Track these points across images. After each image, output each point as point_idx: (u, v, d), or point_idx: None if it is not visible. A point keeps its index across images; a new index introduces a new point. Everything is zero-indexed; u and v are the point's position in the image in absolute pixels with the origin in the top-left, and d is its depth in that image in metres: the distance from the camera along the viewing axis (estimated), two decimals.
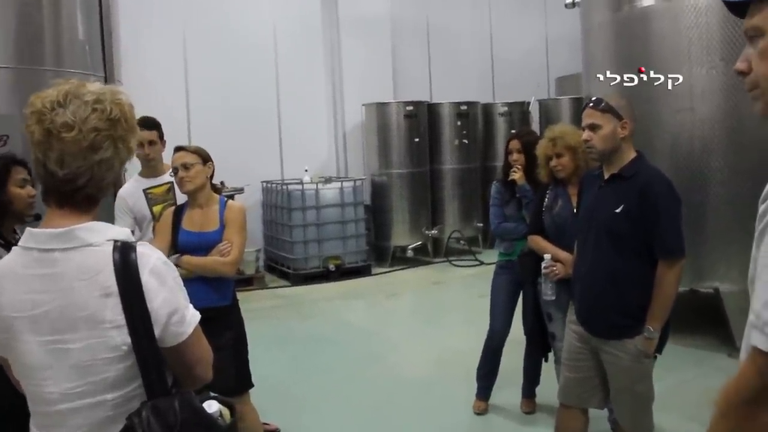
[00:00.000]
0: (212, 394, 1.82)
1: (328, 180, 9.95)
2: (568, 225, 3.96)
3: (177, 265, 3.57)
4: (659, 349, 3.23)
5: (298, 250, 9.58)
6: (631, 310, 3.18)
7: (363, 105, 10.77)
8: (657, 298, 3.12)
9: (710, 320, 6.14)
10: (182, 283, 1.80)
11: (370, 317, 7.86)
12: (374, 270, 10.09)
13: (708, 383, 5.14)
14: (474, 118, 11.25)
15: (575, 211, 3.96)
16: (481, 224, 11.17)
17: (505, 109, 11.46)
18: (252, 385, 3.88)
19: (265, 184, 10.44)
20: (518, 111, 11.49)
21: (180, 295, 1.78)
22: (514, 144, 4.65)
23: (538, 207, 4.14)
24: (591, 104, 3.26)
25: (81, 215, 1.71)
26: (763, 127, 5.91)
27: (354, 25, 10.99)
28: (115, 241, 1.70)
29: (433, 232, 10.66)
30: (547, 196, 4.12)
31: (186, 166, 3.70)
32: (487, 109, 11.59)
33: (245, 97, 10.32)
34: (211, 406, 1.72)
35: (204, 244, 3.68)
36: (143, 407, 1.65)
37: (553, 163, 4.05)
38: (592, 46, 7.04)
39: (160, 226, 3.82)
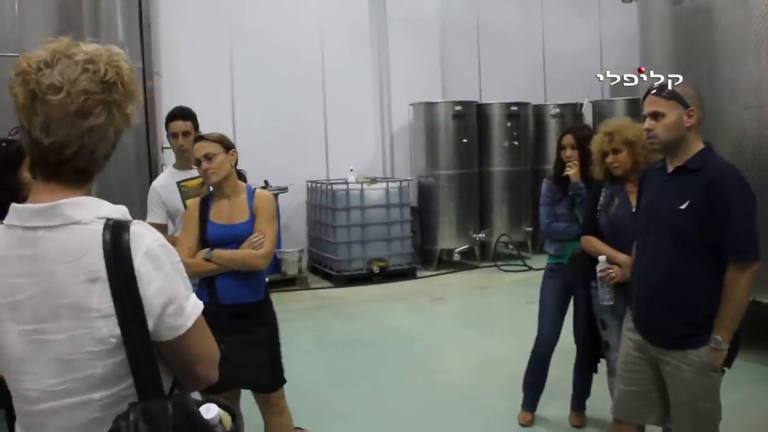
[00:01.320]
0: (212, 397, 1.60)
1: (373, 180, 9.75)
2: (626, 225, 3.66)
3: (208, 260, 3.44)
4: (728, 362, 2.91)
5: (341, 251, 9.38)
6: (695, 318, 2.89)
7: (410, 105, 10.53)
8: (726, 305, 2.82)
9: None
10: (183, 269, 1.57)
11: (412, 321, 7.60)
12: (419, 273, 9.83)
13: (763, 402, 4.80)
14: (524, 120, 10.92)
15: (633, 210, 3.68)
16: (530, 228, 10.82)
17: (557, 110, 11.10)
18: (285, 381, 3.68)
19: (309, 183, 10.28)
20: (570, 112, 11.11)
21: (179, 283, 1.54)
22: (568, 139, 4.36)
23: (593, 206, 3.85)
24: (654, 91, 2.97)
25: (70, 190, 1.50)
26: None
27: (402, 23, 10.74)
28: (108, 220, 1.49)
29: (480, 235, 10.36)
30: (603, 194, 3.83)
31: (209, 157, 3.49)
32: (539, 110, 11.25)
33: (291, 96, 10.19)
34: (209, 411, 1.49)
35: (235, 237, 3.47)
36: (132, 409, 1.43)
37: (610, 159, 3.76)
38: (651, 42, 6.70)
39: (187, 219, 3.62)
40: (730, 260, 2.80)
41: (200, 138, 3.60)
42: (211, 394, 3.43)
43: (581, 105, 11.06)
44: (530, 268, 9.92)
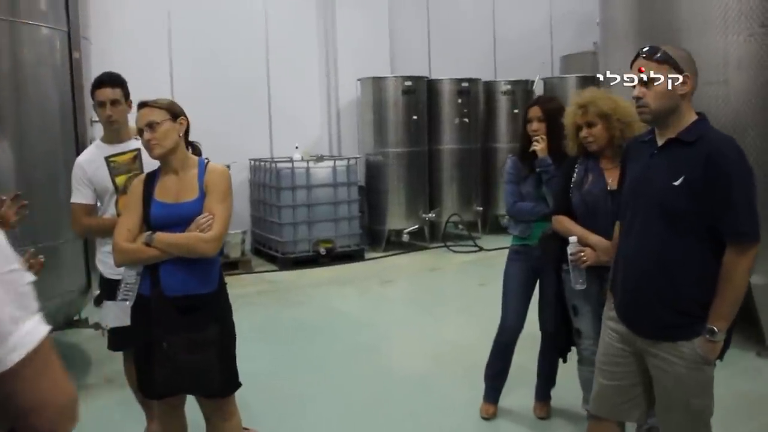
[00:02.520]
0: None
1: (320, 158, 9.33)
2: (600, 204, 3.39)
3: (148, 245, 3.00)
4: (721, 354, 2.65)
5: (286, 232, 8.96)
6: (688, 306, 2.60)
7: (358, 80, 10.14)
8: (724, 292, 2.54)
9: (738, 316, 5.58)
10: (21, 282, 1.17)
11: (362, 305, 7.26)
12: (367, 255, 9.50)
13: (737, 386, 4.62)
14: (475, 96, 10.63)
15: (609, 188, 3.39)
16: (481, 208, 10.63)
17: (508, 87, 10.83)
18: (239, 385, 3.26)
19: (253, 162, 9.82)
20: (522, 89, 10.85)
21: (5, 301, 1.14)
22: (534, 111, 4.04)
23: (565, 183, 3.55)
24: (644, 54, 2.66)
25: None
26: None
27: None
28: None
29: (430, 215, 10.06)
30: (576, 170, 3.53)
31: (152, 126, 3.05)
32: (489, 87, 10.96)
33: (233, 70, 9.72)
34: None
35: (181, 218, 3.03)
36: None
37: (584, 133, 3.46)
38: (612, 16, 6.43)
39: (129, 198, 3.18)
40: (730, 242, 2.52)
41: (144, 104, 3.14)
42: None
43: (532, 82, 10.85)
44: (481, 249, 9.70)
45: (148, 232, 3.00)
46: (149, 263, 3.01)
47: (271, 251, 9.24)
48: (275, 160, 9.44)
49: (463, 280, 8.37)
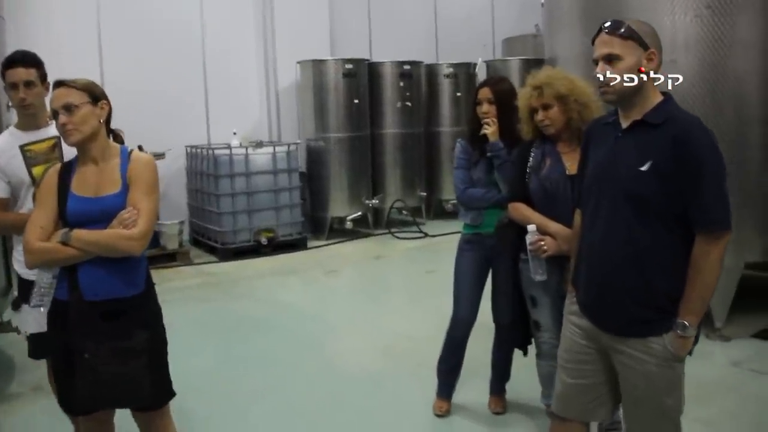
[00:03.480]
0: None
1: (259, 144, 8.99)
2: (560, 190, 3.22)
3: (65, 243, 2.67)
4: (690, 349, 2.50)
5: (226, 221, 8.64)
6: (658, 300, 2.44)
7: (297, 62, 9.81)
8: (695, 284, 2.39)
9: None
10: None
11: (306, 297, 7.01)
12: (310, 243, 9.23)
13: (690, 371, 4.47)
14: (417, 80, 10.43)
15: (567, 173, 3.23)
16: (425, 193, 10.47)
17: (450, 70, 10.65)
18: (173, 395, 2.98)
19: (189, 149, 9.43)
20: (464, 72, 10.70)
21: None
22: (484, 93, 3.84)
23: (521, 169, 3.37)
24: (607, 29, 2.48)
25: None
26: (743, 85, 5.33)
27: None
28: None
29: (373, 201, 9.84)
30: (532, 155, 3.36)
31: (69, 108, 2.72)
32: (431, 69, 10.77)
33: (167, 52, 9.33)
34: None
35: (102, 213, 2.73)
36: None
37: (540, 116, 3.29)
38: None
39: (42, 191, 2.84)
40: (700, 231, 2.36)
41: (60, 83, 2.80)
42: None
43: (474, 65, 10.73)
44: (426, 235, 9.55)
45: (65, 230, 2.69)
46: (66, 264, 2.71)
47: (211, 242, 8.90)
48: (213, 146, 9.11)
49: (410, 268, 8.19)
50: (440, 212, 10.76)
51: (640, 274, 2.44)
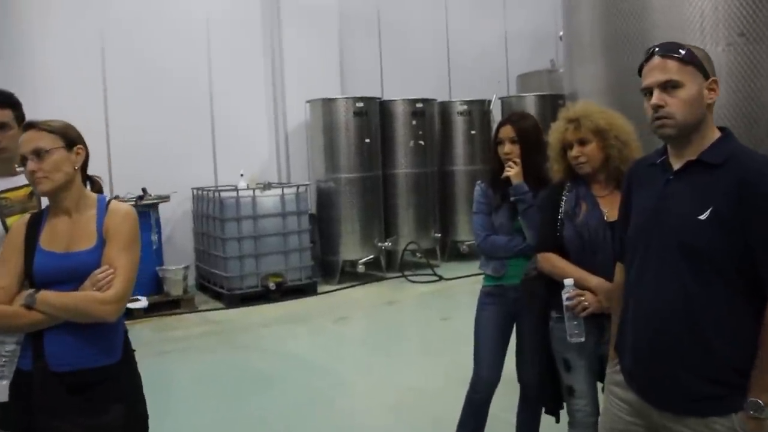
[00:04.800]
0: None
1: (267, 186, 8.68)
2: (600, 239, 2.85)
3: (29, 307, 2.27)
4: None
5: (232, 266, 8.28)
6: (721, 371, 2.06)
7: (307, 102, 9.55)
8: (767, 354, 2.00)
9: None
10: None
11: (315, 348, 6.60)
12: (320, 288, 8.86)
13: None
14: (430, 118, 10.13)
15: (607, 219, 2.86)
16: (439, 234, 10.10)
17: (464, 107, 10.36)
18: None
19: (195, 191, 9.12)
20: (478, 110, 10.40)
21: None
22: (506, 131, 3.50)
23: (552, 214, 3.00)
24: (662, 51, 2.13)
25: None
26: None
27: (297, 14, 9.79)
28: None
29: (386, 244, 9.48)
30: (565, 199, 2.99)
31: (38, 153, 2.41)
32: (445, 107, 10.48)
33: (173, 91, 9.08)
34: None
35: (74, 272, 2.40)
36: None
37: (575, 152, 2.93)
38: (576, 28, 5.97)
39: (6, 245, 2.50)
40: None
41: (30, 125, 2.49)
42: None
43: (489, 101, 10.43)
44: (441, 278, 9.16)
45: (30, 291, 2.35)
46: (31, 330, 2.36)
47: (217, 287, 8.55)
48: (219, 188, 8.81)
49: (424, 315, 7.80)
50: (455, 254, 10.39)
51: (698, 341, 2.06)
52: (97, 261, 2.41)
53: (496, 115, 10.50)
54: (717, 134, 2.15)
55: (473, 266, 9.49)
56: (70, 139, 2.49)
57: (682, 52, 2.10)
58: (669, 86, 2.09)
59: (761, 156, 2.10)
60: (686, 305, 2.07)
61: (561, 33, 6.35)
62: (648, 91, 2.15)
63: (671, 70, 2.09)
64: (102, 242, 2.44)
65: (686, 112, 2.07)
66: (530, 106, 9.90)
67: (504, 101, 10.55)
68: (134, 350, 2.61)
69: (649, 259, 2.17)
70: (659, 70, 2.11)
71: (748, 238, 1.98)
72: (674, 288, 2.09)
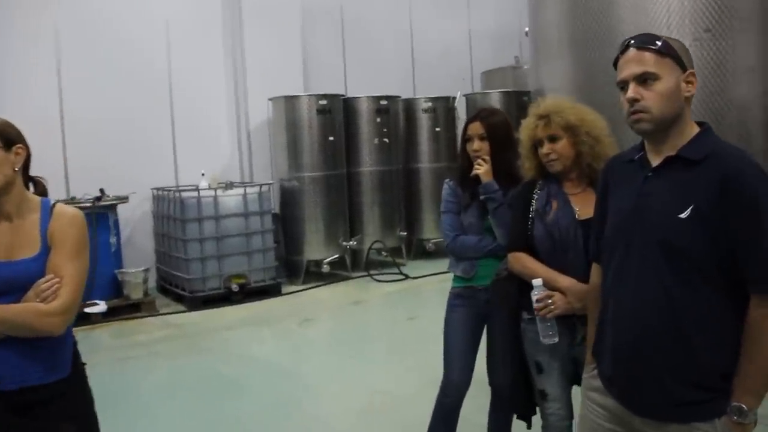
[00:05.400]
0: None
1: (229, 185, 8.50)
2: (571, 238, 2.77)
3: None
4: None
5: (194, 268, 8.10)
6: (705, 375, 1.99)
7: (269, 99, 9.37)
8: (753, 356, 1.94)
9: None
10: None
11: (280, 351, 6.45)
12: (285, 289, 8.71)
13: None
14: (395, 115, 10.03)
15: (578, 218, 2.78)
16: (405, 233, 10.01)
17: (429, 104, 10.27)
18: None
19: (155, 191, 8.91)
20: (443, 107, 10.32)
21: None
22: (475, 128, 3.41)
23: (522, 212, 2.91)
24: (637, 43, 2.05)
25: None
26: (746, 113, 4.99)
27: (259, 11, 9.61)
28: None
29: (351, 243, 9.36)
30: (536, 197, 2.91)
31: None
32: (409, 104, 10.38)
33: (132, 90, 8.88)
34: None
35: (16, 281, 2.24)
36: None
37: (545, 149, 2.84)
38: (543, 24, 5.93)
39: None
40: (759, 291, 1.92)
41: None
42: None
43: (454, 98, 10.35)
44: (407, 277, 9.06)
45: None
46: None
47: (178, 290, 8.35)
48: (180, 188, 8.61)
49: (391, 314, 7.69)
50: (421, 252, 10.31)
51: (681, 344, 1.99)
52: (41, 269, 2.26)
53: (461, 112, 10.46)
54: (695, 129, 2.08)
55: (439, 264, 9.56)
56: (8, 138, 2.32)
57: (659, 43, 2.03)
58: (645, 79, 2.01)
59: (742, 152, 2.03)
60: (668, 306, 2.00)
61: (527, 29, 6.29)
62: (624, 85, 2.07)
63: (648, 62, 2.01)
64: (46, 249, 2.29)
65: (663, 105, 2.00)
66: (495, 102, 9.82)
67: (468, 98, 10.50)
68: (84, 363, 2.45)
69: (628, 259, 2.09)
70: (635, 62, 2.03)
71: (730, 236, 1.91)
72: (655, 288, 2.02)
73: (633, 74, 2.02)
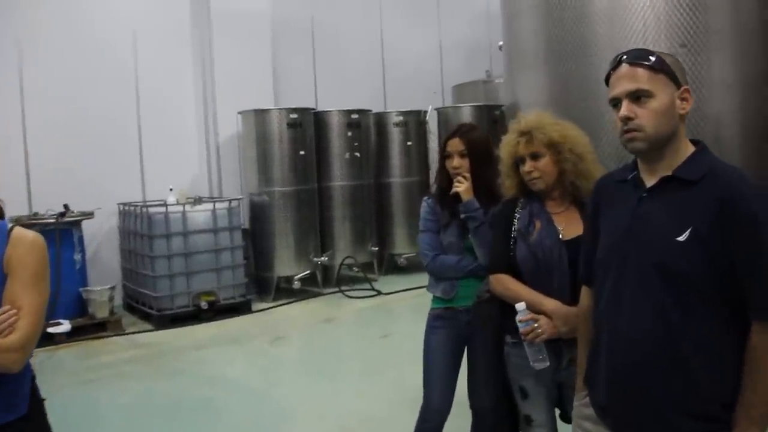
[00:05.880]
0: None
1: (197, 201, 8.34)
2: (555, 259, 2.67)
3: None
4: None
5: (161, 285, 7.89)
6: (705, 405, 1.89)
7: (239, 113, 9.23)
8: (755, 385, 1.86)
9: None
10: None
11: (251, 372, 6.27)
12: (255, 306, 8.53)
13: None
14: (366, 129, 9.94)
15: (562, 238, 2.69)
16: (376, 248, 9.89)
17: (400, 118, 10.18)
18: None
19: (122, 206, 8.69)
20: (414, 120, 10.25)
21: None
22: (455, 144, 3.32)
23: (505, 233, 2.82)
24: (629, 59, 1.97)
25: None
26: (722, 128, 4.96)
27: (229, 24, 9.46)
28: None
29: (322, 259, 9.21)
30: (518, 216, 2.81)
31: None
32: (380, 118, 10.29)
33: (97, 104, 8.68)
34: None
35: None
36: None
37: (527, 167, 2.75)
38: (517, 37, 5.88)
39: None
40: (761, 318, 1.83)
41: None
42: None
43: (425, 112, 10.29)
44: (379, 293, 8.93)
45: None
46: None
47: (145, 308, 8.13)
48: (147, 204, 8.41)
49: (363, 332, 7.55)
50: (393, 267, 10.21)
51: (680, 372, 1.90)
52: None
53: (432, 126, 10.40)
54: (690, 147, 2.00)
55: (411, 280, 9.47)
56: None
57: (653, 59, 1.94)
58: (639, 96, 1.93)
59: (740, 171, 1.95)
60: (666, 333, 1.91)
61: (500, 43, 6.23)
62: (616, 102, 1.98)
63: (641, 78, 1.93)
64: (3, 277, 2.12)
65: (658, 123, 1.92)
66: (466, 116, 9.78)
67: (440, 112, 10.45)
68: (44, 399, 2.29)
69: (623, 283, 2.00)
70: (628, 79, 1.95)
71: (730, 259, 1.83)
72: (653, 315, 1.92)
73: (626, 91, 1.94)
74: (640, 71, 1.94)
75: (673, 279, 1.88)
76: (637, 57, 1.96)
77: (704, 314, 1.87)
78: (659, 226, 1.92)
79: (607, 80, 2.04)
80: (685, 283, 1.87)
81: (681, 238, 1.86)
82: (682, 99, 1.96)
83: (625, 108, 1.93)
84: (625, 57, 1.98)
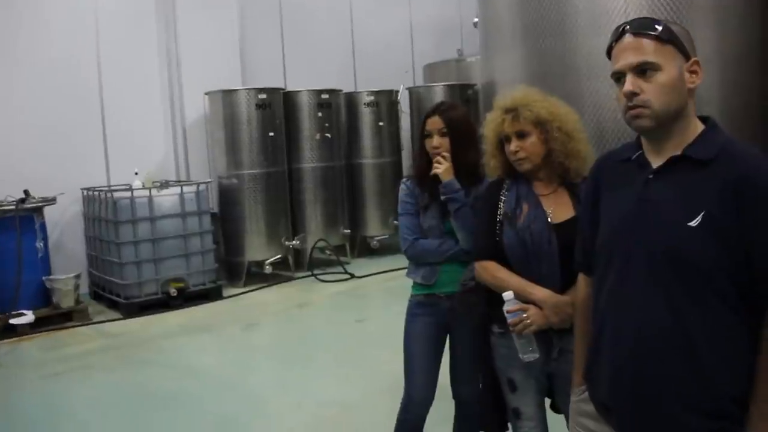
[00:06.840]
0: None
1: (164, 185, 8.11)
2: (544, 245, 2.52)
3: None
4: None
5: (129, 273, 7.66)
6: (718, 402, 1.75)
7: (206, 93, 8.97)
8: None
9: None
10: None
11: (224, 360, 6.08)
12: (226, 292, 8.34)
13: None
14: (336, 109, 9.73)
15: (551, 221, 2.55)
16: (348, 231, 9.74)
17: (371, 98, 10.00)
18: None
19: (85, 192, 8.42)
20: (386, 100, 10.07)
21: None
22: (434, 123, 3.15)
23: (490, 217, 2.66)
24: (635, 29, 1.81)
25: None
26: (703, 106, 4.86)
27: (194, 1, 9.20)
28: None
29: (294, 242, 9.03)
30: (503, 198, 2.65)
31: None
32: (351, 98, 10.10)
33: (58, 87, 8.36)
34: None
35: None
36: None
37: (513, 147, 2.60)
38: (494, 14, 5.71)
39: None
40: None
41: None
42: None
43: (397, 92, 10.13)
44: (352, 276, 8.81)
45: None
46: None
47: (112, 296, 7.88)
48: (112, 188, 8.16)
49: (338, 317, 7.39)
50: (365, 250, 10.07)
51: (691, 368, 1.76)
52: None
53: (404, 106, 10.24)
54: (699, 124, 1.85)
55: (384, 262, 9.34)
56: None
57: (659, 28, 1.79)
58: (644, 70, 1.78)
59: (756, 149, 1.80)
60: (677, 325, 1.76)
61: (475, 20, 6.06)
62: (619, 76, 1.83)
63: (647, 50, 1.78)
64: None
65: (665, 99, 1.77)
66: (439, 96, 9.64)
67: (412, 91, 10.28)
68: None
69: (628, 271, 1.84)
70: (632, 51, 1.79)
71: (746, 245, 1.68)
72: (662, 306, 1.77)
73: (630, 65, 1.79)
74: (646, 42, 1.78)
75: (684, 267, 1.74)
76: (642, 26, 1.80)
77: (716, 304, 1.73)
78: (668, 210, 1.76)
79: (608, 53, 1.88)
80: (696, 271, 1.73)
81: (693, 223, 1.71)
82: (692, 72, 1.81)
83: (630, 83, 1.78)
84: (628, 27, 1.82)
